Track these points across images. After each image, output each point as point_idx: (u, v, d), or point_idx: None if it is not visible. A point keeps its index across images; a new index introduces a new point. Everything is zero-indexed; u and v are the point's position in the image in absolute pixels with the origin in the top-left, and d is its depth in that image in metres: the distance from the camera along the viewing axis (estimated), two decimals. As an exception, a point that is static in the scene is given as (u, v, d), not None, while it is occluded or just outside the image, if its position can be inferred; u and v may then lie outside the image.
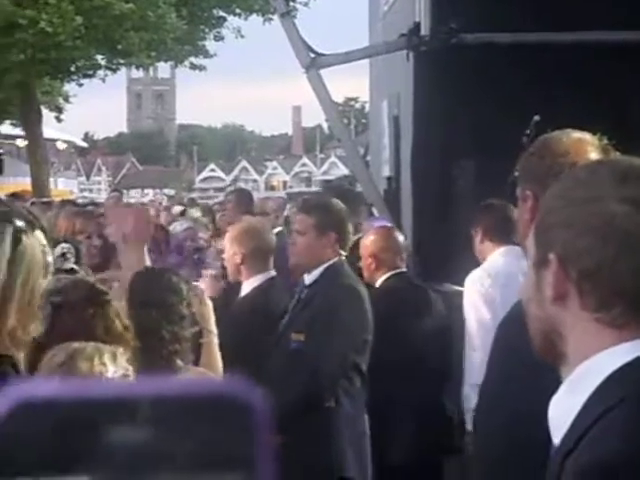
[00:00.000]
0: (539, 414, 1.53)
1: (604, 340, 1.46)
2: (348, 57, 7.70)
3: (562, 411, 1.47)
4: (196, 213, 9.23)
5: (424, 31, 6.85)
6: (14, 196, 13.42)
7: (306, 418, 4.65)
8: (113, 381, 2.23)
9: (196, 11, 25.55)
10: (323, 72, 7.36)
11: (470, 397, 5.30)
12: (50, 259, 2.35)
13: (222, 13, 26.60)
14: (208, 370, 3.81)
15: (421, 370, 5.51)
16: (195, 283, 4.40)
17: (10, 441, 0.63)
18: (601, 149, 2.46)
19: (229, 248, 5.45)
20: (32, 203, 11.49)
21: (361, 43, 10.54)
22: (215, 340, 4.09)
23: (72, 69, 25.74)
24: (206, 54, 27.16)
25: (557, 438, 1.46)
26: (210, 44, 27.14)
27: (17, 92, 24.60)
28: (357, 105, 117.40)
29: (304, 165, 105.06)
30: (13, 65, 22.30)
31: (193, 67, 27.37)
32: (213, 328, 4.10)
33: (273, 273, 5.45)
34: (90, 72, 26.26)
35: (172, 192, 60.02)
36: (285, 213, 10.39)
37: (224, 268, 5.75)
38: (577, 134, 2.52)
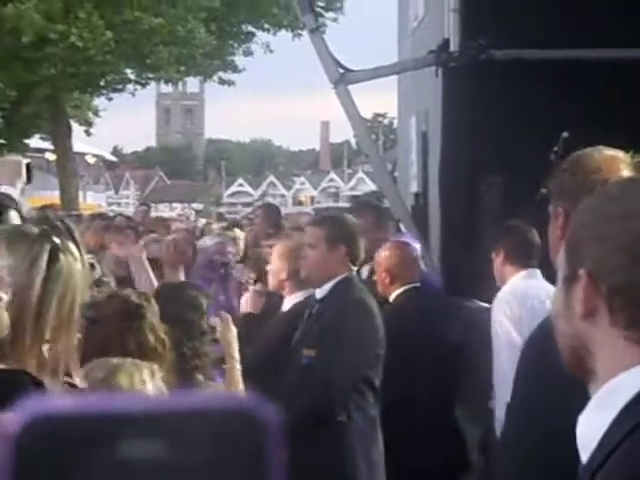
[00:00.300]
0: (567, 431, 1.52)
1: (633, 357, 1.46)
2: (377, 73, 7.71)
3: (590, 428, 1.46)
4: (236, 232, 9.06)
5: (453, 47, 6.85)
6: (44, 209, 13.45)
7: (317, 432, 4.63)
8: (130, 396, 2.24)
9: (225, 26, 25.67)
10: (351, 88, 7.37)
11: (503, 417, 5.29)
12: (90, 275, 2.37)
13: (251, 28, 26.73)
14: None
15: (431, 385, 5.50)
16: (221, 297, 4.41)
17: (26, 456, 0.64)
18: (633, 166, 2.46)
19: (276, 263, 5.49)
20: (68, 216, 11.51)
21: (390, 59, 10.54)
22: (237, 366, 4.09)
23: (102, 83, 25.93)
24: (235, 69, 27.29)
25: (585, 455, 1.46)
26: (239, 59, 27.33)
27: (47, 106, 24.78)
28: (385, 121, 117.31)
29: (332, 180, 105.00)
30: (43, 79, 22.48)
31: (222, 82, 27.48)
32: (236, 354, 4.10)
33: (313, 291, 5.49)
34: (119, 86, 26.45)
35: (200, 206, 60.22)
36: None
37: (255, 281, 5.82)
38: (609, 151, 2.52)
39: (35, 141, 31.72)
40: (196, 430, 0.64)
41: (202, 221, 12.61)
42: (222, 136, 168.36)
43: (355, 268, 5.05)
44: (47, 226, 2.37)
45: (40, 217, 3.09)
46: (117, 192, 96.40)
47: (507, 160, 6.45)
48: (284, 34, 26.14)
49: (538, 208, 2.53)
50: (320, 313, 4.89)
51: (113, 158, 75.97)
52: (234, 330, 4.16)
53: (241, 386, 4.06)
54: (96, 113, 29.55)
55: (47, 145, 31.05)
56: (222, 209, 53.55)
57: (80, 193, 29.84)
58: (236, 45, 26.93)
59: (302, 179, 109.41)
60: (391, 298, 5.76)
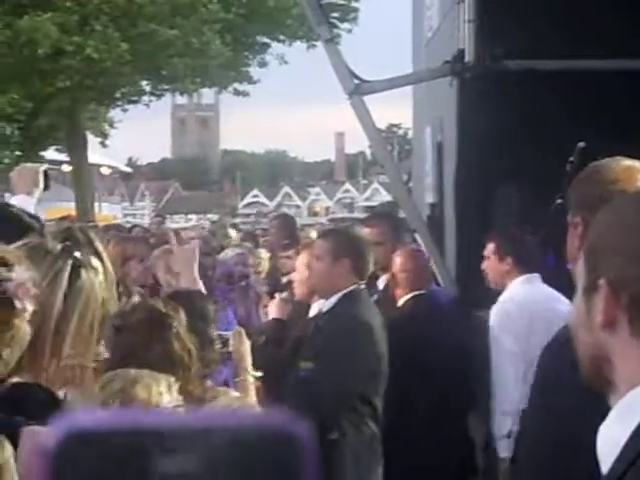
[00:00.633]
0: (587, 442, 1.52)
1: (653, 368, 1.45)
2: (391, 83, 7.71)
3: (610, 439, 1.45)
4: (261, 253, 8.95)
5: (468, 58, 6.86)
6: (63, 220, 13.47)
7: None
8: (163, 411, 2.24)
9: (240, 37, 25.71)
10: (366, 98, 7.37)
11: (501, 424, 5.31)
12: (113, 291, 2.38)
13: (266, 39, 26.78)
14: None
15: (439, 394, 5.50)
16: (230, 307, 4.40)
17: (62, 471, 0.64)
18: (651, 177, 2.46)
19: (303, 271, 5.47)
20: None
21: (404, 70, 10.55)
22: (250, 379, 4.09)
23: (117, 95, 26.02)
24: (250, 80, 27.33)
25: (605, 467, 1.45)
26: (254, 70, 27.36)
27: (63, 118, 24.87)
28: (400, 131, 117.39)
29: (347, 191, 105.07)
30: (59, 91, 22.57)
31: (237, 93, 27.53)
32: (249, 367, 4.10)
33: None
34: (135, 98, 26.53)
35: (215, 217, 60.23)
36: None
37: (276, 290, 5.84)
38: (627, 161, 2.52)
39: (51, 153, 31.79)
40: (232, 447, 0.64)
41: (233, 233, 12.49)
42: (237, 147, 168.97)
43: (363, 282, 5.02)
44: (69, 239, 2.37)
45: (62, 230, 3.09)
46: (132, 203, 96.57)
47: (522, 170, 6.45)
48: (299, 45, 26.22)
49: (554, 217, 2.52)
50: (323, 326, 4.88)
51: (128, 169, 76.17)
52: (247, 343, 4.16)
53: (254, 399, 4.06)
54: (111, 125, 29.63)
55: (63, 157, 31.12)
56: (237, 220, 53.59)
57: (95, 205, 29.92)
58: (251, 56, 26.97)
59: (317, 190, 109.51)
60: (399, 303, 5.78)
